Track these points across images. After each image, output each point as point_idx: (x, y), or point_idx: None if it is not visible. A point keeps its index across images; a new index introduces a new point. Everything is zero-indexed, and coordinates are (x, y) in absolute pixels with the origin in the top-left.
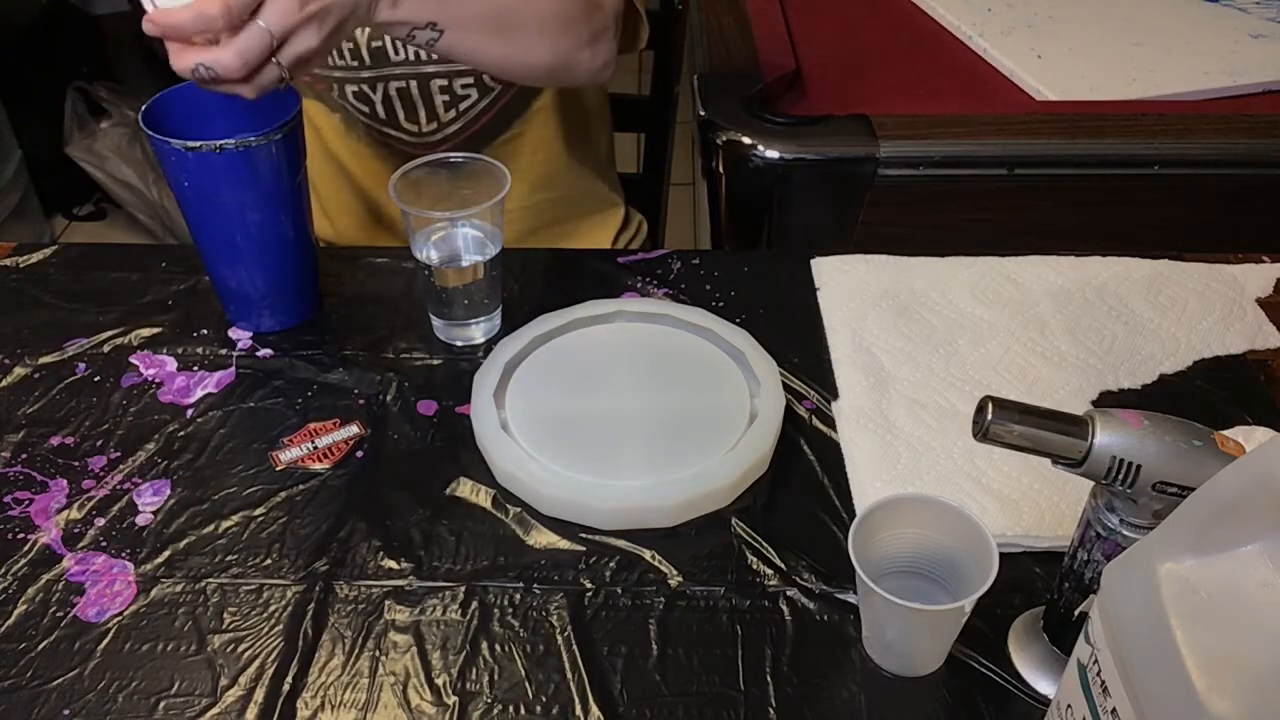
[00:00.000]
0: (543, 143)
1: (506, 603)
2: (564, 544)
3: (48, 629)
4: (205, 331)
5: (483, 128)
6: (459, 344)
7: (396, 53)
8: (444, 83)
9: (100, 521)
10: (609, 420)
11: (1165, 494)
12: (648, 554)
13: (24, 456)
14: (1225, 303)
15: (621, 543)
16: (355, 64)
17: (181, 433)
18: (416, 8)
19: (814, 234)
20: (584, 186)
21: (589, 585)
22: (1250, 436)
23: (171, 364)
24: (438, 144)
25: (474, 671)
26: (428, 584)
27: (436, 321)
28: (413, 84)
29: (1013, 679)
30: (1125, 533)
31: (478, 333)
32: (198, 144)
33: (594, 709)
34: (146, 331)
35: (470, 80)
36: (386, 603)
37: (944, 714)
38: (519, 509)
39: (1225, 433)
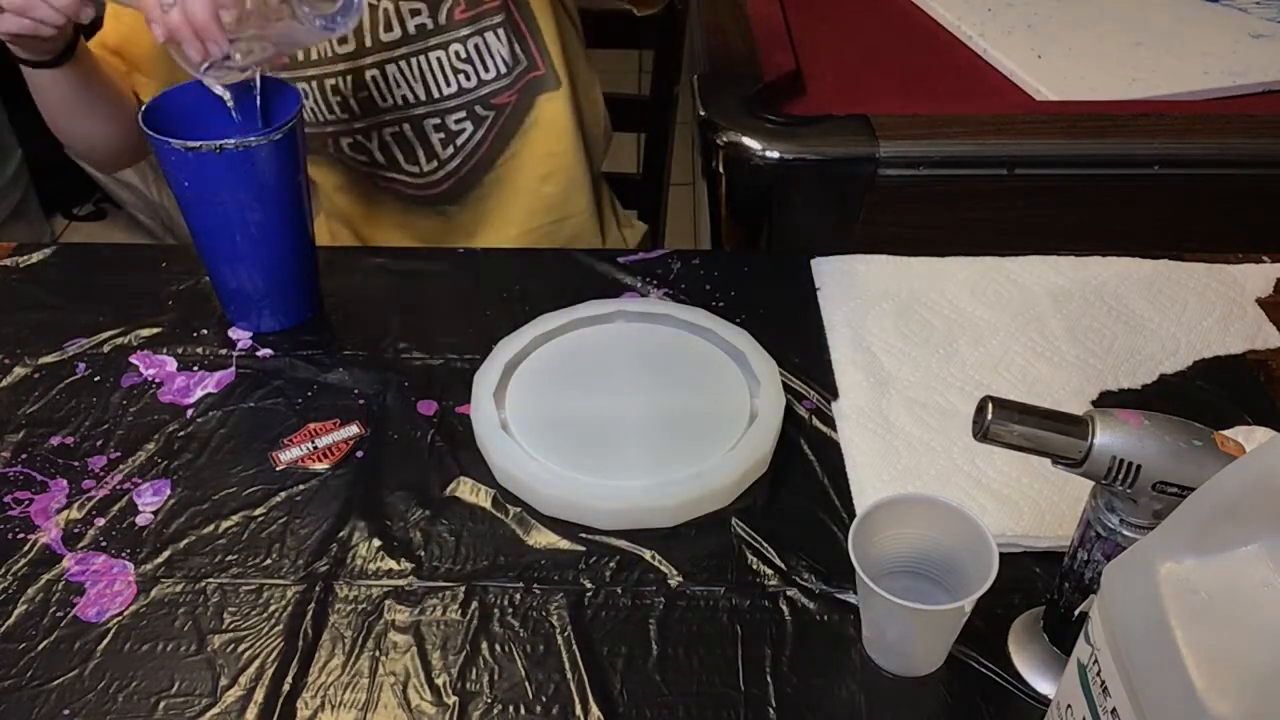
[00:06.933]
0: (544, 154)
1: (506, 603)
2: (564, 544)
3: (48, 629)
4: (205, 331)
5: (482, 157)
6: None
7: (383, 99)
8: (436, 121)
9: (100, 521)
10: (609, 420)
11: (1165, 494)
12: (648, 554)
13: (24, 456)
14: (1225, 303)
15: (621, 543)
16: (346, 116)
17: (181, 433)
18: None
19: (814, 234)
20: (592, 188)
21: (589, 585)
22: (1250, 436)
23: (171, 364)
24: (441, 181)
25: (474, 671)
26: (428, 584)
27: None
28: (405, 126)
29: (1013, 679)
30: (1125, 533)
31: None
32: (198, 144)
33: (594, 709)
34: (146, 331)
35: (462, 114)
36: (386, 603)
37: (944, 714)
38: (519, 509)
39: (1225, 433)
